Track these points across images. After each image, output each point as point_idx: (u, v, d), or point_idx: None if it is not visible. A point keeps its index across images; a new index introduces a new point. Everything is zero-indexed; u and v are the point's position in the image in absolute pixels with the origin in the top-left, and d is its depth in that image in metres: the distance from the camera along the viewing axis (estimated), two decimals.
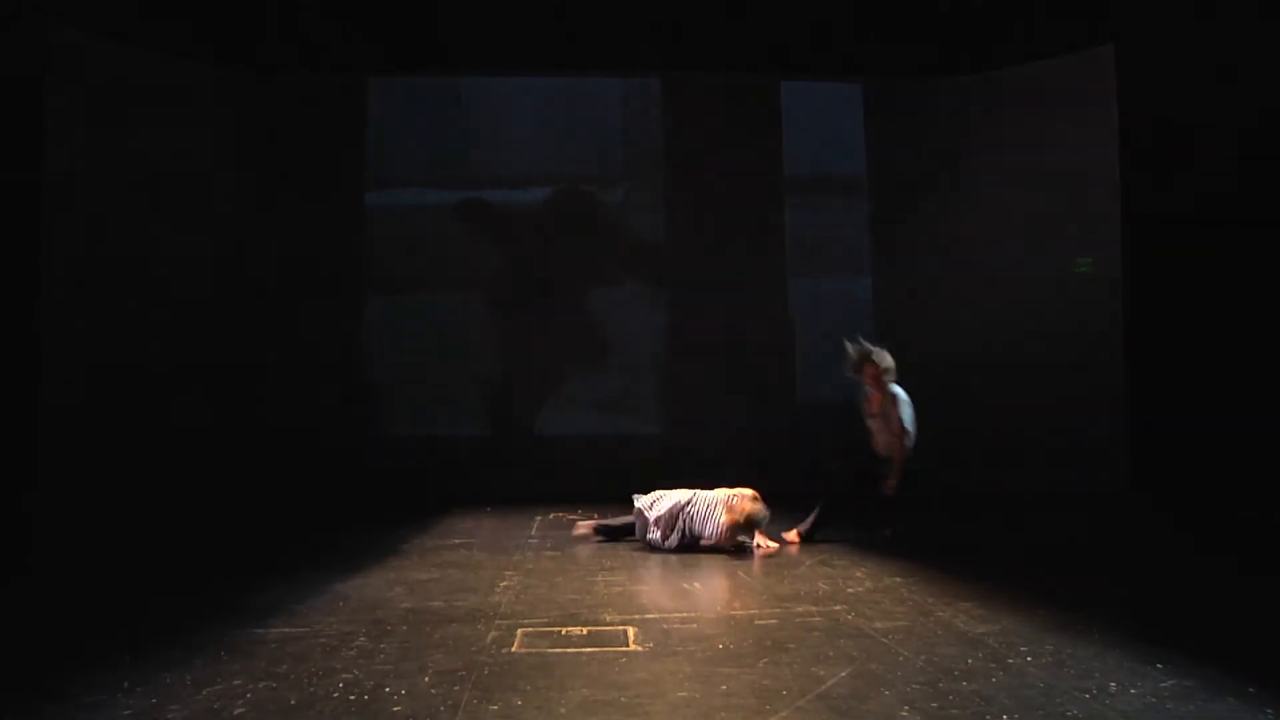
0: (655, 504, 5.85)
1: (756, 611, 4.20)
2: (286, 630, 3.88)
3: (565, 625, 3.97)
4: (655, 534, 5.76)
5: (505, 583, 4.84)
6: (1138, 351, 7.68)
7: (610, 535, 6.12)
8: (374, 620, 4.05)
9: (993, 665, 3.37)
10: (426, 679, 3.25)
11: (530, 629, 3.91)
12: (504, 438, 8.86)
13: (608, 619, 4.08)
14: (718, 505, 5.70)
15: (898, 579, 4.86)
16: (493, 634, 3.82)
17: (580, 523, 6.37)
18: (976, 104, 8.91)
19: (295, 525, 7.12)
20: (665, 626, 3.94)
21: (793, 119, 9.23)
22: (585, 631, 3.88)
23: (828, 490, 6.12)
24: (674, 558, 5.53)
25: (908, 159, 9.09)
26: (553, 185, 9.15)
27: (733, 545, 5.62)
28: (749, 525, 5.64)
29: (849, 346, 6.08)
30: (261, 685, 3.18)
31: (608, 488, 7.20)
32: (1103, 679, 3.21)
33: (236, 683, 3.20)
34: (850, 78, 9.21)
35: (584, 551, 5.81)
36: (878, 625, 3.94)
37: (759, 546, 5.71)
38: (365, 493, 8.14)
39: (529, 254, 9.00)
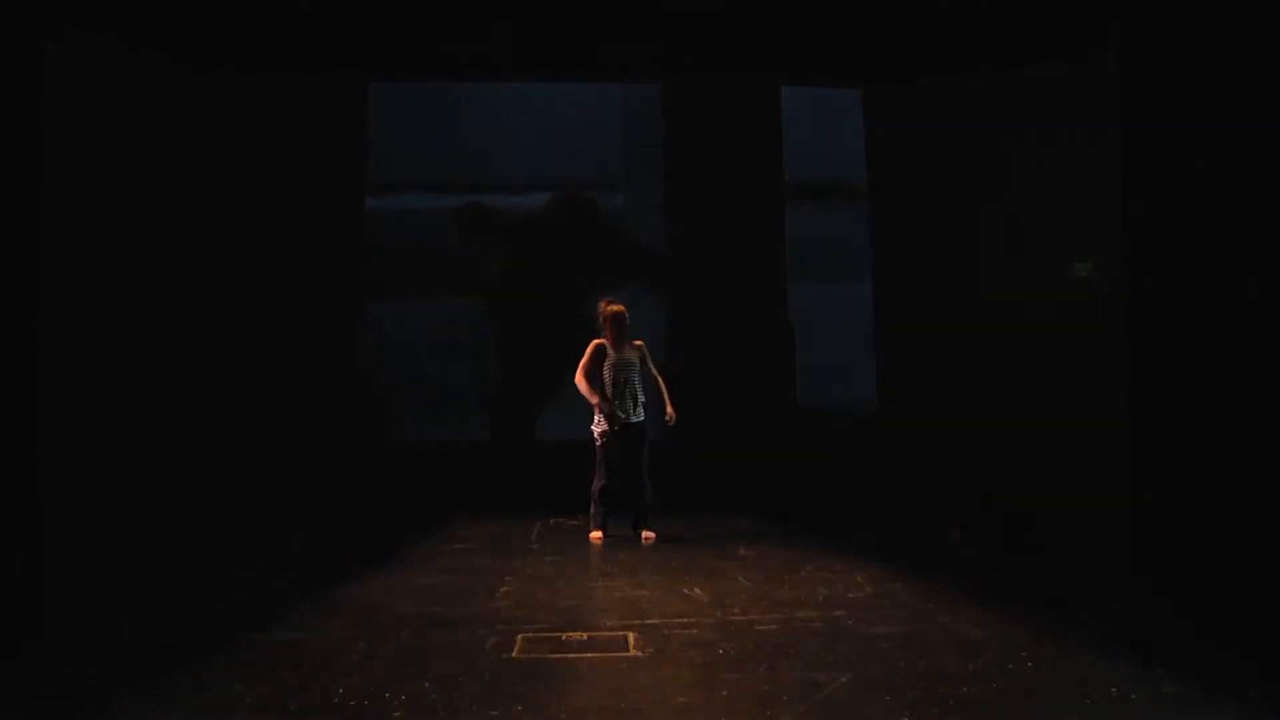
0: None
1: (757, 617, 4.20)
2: (286, 635, 3.88)
3: (565, 631, 3.97)
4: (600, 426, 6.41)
5: (506, 588, 4.83)
6: (1140, 354, 7.67)
7: (605, 498, 6.36)
8: (374, 625, 4.05)
9: (993, 670, 3.37)
10: (427, 684, 3.25)
11: (531, 634, 3.91)
12: (504, 443, 8.86)
13: (608, 624, 4.08)
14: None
15: (898, 584, 4.86)
16: (493, 639, 3.82)
17: (592, 534, 6.37)
18: (977, 106, 8.91)
19: (296, 530, 7.12)
20: (665, 632, 3.94)
21: (792, 123, 9.25)
22: (585, 637, 3.88)
23: None
24: (675, 562, 5.51)
25: (908, 162, 9.09)
26: (553, 190, 9.17)
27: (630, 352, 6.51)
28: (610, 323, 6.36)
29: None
30: (261, 690, 3.18)
31: None
32: (1103, 684, 3.21)
33: (236, 687, 3.20)
34: (850, 82, 9.22)
35: (584, 557, 5.81)
36: (878, 630, 3.93)
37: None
38: (365, 498, 8.13)
39: (529, 258, 9.01)
